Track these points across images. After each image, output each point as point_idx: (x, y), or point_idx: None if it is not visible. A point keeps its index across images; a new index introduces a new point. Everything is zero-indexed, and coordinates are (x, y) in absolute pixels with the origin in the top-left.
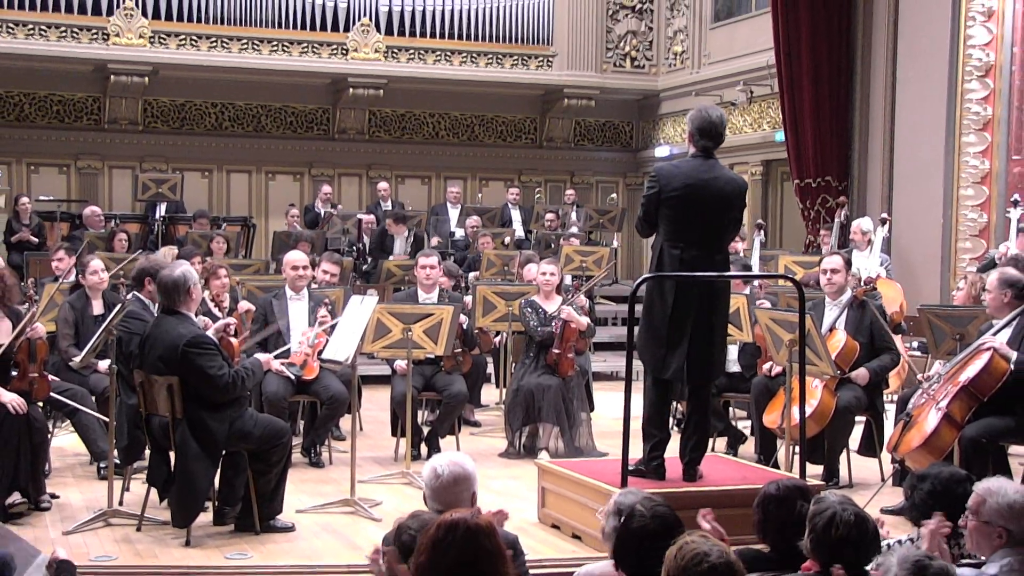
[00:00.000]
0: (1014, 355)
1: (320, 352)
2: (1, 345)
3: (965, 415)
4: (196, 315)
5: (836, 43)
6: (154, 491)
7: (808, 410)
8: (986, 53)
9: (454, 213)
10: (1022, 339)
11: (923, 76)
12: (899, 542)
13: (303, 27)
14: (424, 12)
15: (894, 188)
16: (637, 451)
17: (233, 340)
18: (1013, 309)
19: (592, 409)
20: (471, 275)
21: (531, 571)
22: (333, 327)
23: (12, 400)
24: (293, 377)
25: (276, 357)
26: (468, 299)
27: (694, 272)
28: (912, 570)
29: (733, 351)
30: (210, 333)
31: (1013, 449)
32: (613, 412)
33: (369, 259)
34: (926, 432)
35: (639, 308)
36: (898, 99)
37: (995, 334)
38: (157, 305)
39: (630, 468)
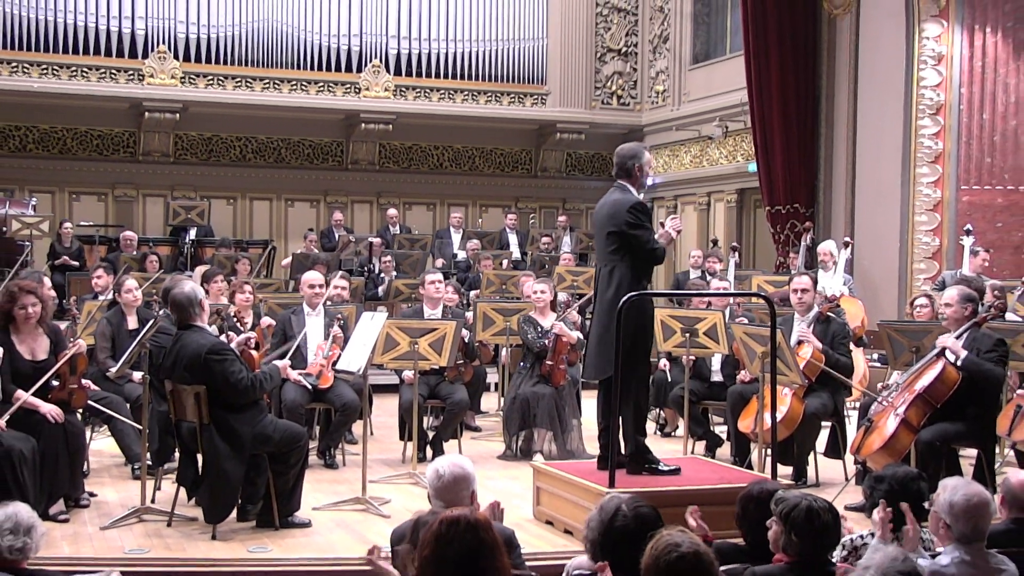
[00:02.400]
0: (964, 353)
1: (334, 363)
2: (39, 361)
3: (921, 420)
4: (222, 332)
5: (803, 83)
6: (183, 490)
7: (779, 416)
8: (937, 93)
9: (456, 237)
10: (972, 346)
11: (881, 113)
12: (860, 536)
13: (319, 68)
14: (430, 54)
15: (856, 214)
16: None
17: (254, 353)
18: (968, 321)
19: (582, 415)
20: (472, 293)
21: (527, 563)
22: (346, 341)
23: (50, 410)
24: (310, 386)
25: (292, 367)
26: (469, 315)
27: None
28: None
29: (716, 362)
30: (233, 346)
31: (964, 451)
32: None
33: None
34: (886, 436)
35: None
36: (859, 134)
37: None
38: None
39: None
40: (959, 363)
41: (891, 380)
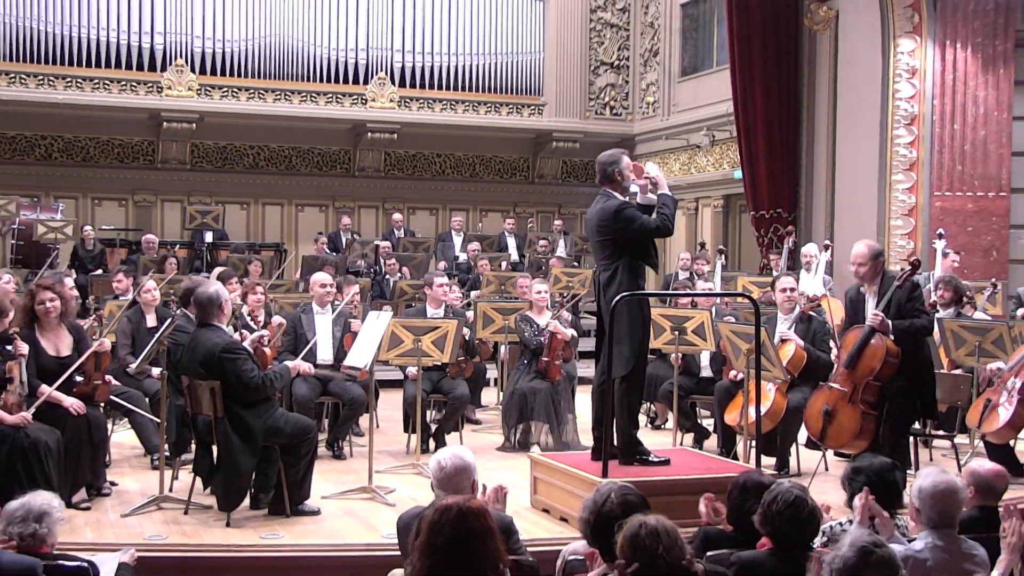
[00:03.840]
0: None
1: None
2: (63, 357)
3: None
4: (235, 329)
5: (785, 95)
6: (199, 480)
7: (763, 410)
8: (911, 105)
9: (458, 240)
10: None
11: (859, 123)
12: (839, 523)
13: (328, 80)
14: (432, 67)
15: (835, 218)
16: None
17: (266, 350)
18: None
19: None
20: (473, 293)
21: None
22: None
23: (73, 404)
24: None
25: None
26: (470, 314)
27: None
28: (858, 556)
29: (705, 358)
30: (246, 344)
31: (937, 443)
32: None
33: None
34: (1009, 414)
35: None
36: (838, 143)
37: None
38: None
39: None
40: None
41: (994, 365)
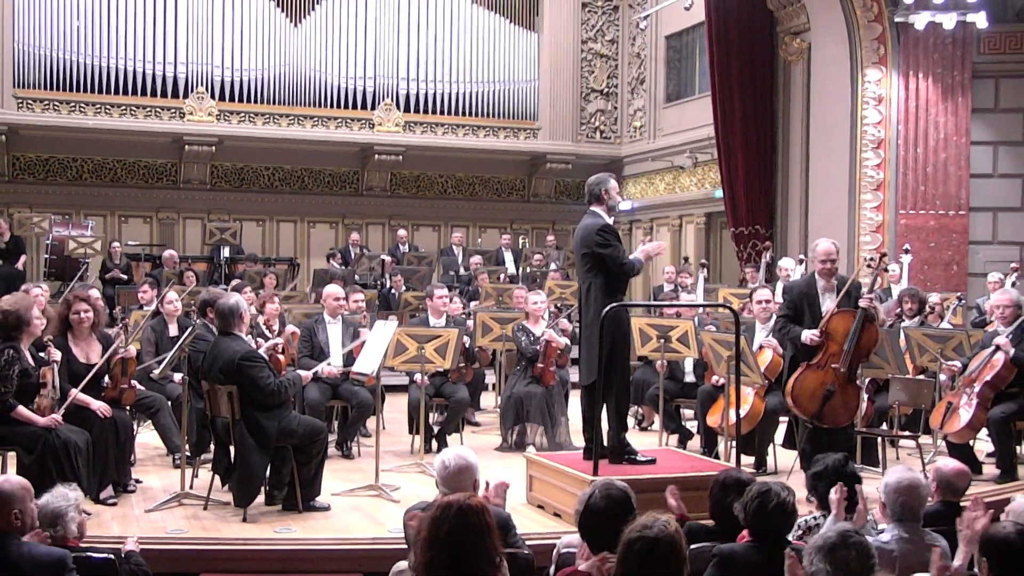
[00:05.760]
0: (1013, 350)
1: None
2: (93, 364)
3: (989, 402)
4: (252, 338)
5: (762, 120)
6: (217, 478)
7: (742, 412)
8: (878, 130)
9: (458, 254)
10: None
11: (830, 147)
12: (814, 517)
13: (338, 106)
14: (435, 94)
15: (809, 234)
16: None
17: (280, 357)
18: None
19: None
20: (472, 304)
21: None
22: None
23: (100, 407)
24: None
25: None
26: (470, 323)
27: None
28: (838, 537)
29: (689, 364)
30: (262, 351)
31: (903, 443)
32: None
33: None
34: (968, 417)
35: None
36: (811, 164)
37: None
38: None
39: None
40: (1011, 357)
41: (954, 363)
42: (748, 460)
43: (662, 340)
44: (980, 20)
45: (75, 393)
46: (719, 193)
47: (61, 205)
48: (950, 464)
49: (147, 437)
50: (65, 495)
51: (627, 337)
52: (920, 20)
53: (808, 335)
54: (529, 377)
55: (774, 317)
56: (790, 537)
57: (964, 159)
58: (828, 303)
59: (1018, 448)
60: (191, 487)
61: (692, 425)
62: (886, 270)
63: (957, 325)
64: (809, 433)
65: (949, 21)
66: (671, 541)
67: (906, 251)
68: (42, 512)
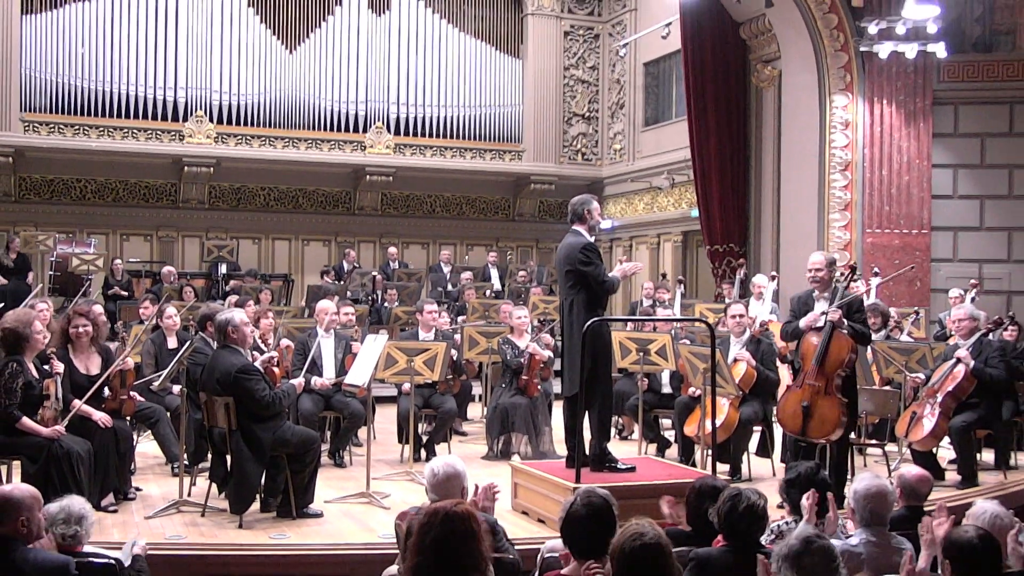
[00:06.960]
0: (972, 362)
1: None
2: (93, 376)
3: (951, 412)
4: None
5: (736, 143)
6: (214, 486)
7: (718, 422)
8: (845, 153)
9: (446, 271)
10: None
11: (800, 169)
12: (787, 523)
13: (331, 129)
14: (424, 118)
15: (780, 252)
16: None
17: (275, 369)
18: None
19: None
20: (460, 318)
21: None
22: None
23: (101, 418)
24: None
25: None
26: (457, 337)
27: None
28: (802, 544)
29: (666, 376)
30: (257, 364)
31: (870, 450)
32: None
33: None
34: (931, 425)
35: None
36: (782, 185)
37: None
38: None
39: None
40: (972, 369)
41: (918, 375)
42: (724, 468)
43: (641, 353)
44: (940, 50)
45: (78, 404)
46: (695, 213)
47: (65, 224)
48: (913, 471)
49: (147, 447)
50: (84, 503)
51: (608, 350)
52: (884, 50)
53: (805, 322)
54: (514, 389)
55: (748, 331)
56: (763, 540)
57: (926, 181)
58: (821, 308)
59: (978, 455)
60: (189, 495)
61: (670, 434)
62: (855, 281)
63: (918, 338)
64: (798, 448)
65: (911, 51)
66: (665, 547)
67: (875, 274)
68: (67, 510)
